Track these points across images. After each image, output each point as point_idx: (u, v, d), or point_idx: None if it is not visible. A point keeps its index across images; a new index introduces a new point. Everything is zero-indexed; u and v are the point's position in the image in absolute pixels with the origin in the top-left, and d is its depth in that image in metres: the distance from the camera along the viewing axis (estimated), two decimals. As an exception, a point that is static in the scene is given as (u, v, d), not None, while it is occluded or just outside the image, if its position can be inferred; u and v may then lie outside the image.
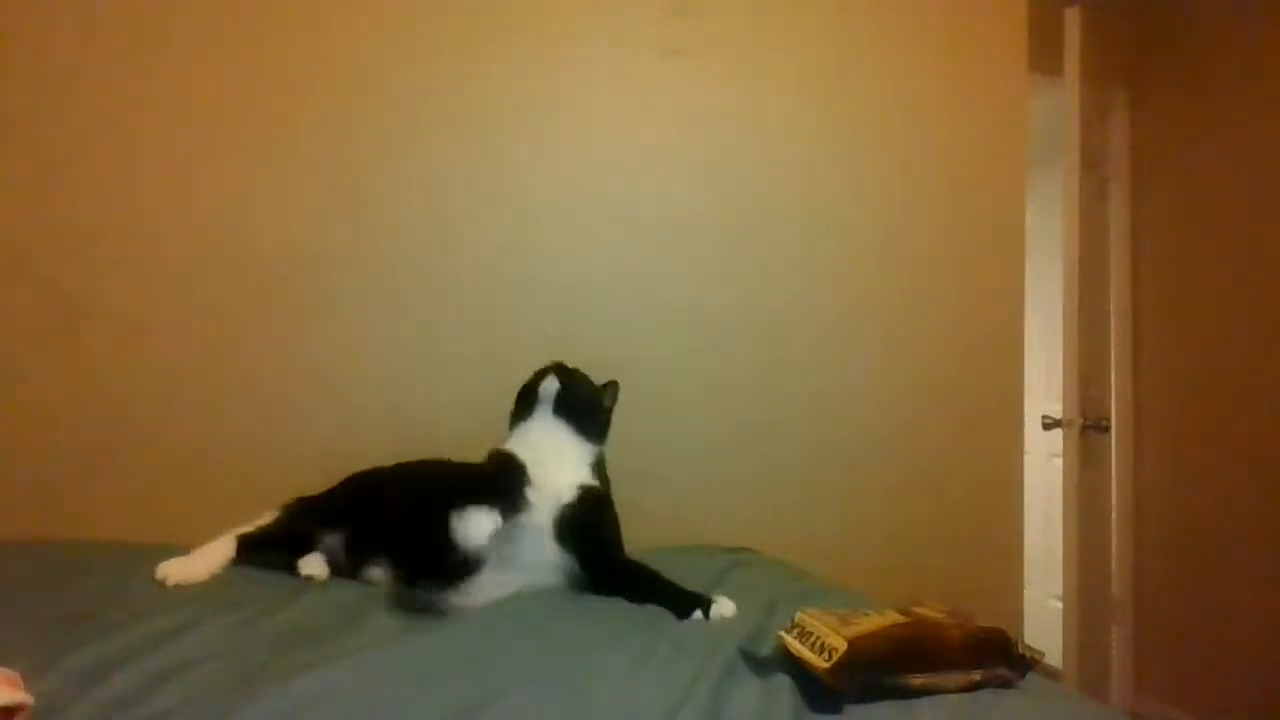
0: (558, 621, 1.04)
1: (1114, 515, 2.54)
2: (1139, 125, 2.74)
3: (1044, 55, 2.25)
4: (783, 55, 1.96)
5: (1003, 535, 2.03)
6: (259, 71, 1.66)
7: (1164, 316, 2.64)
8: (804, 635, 0.85)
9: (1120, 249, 2.71)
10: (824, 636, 0.82)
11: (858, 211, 1.99)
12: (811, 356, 1.93)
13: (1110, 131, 2.65)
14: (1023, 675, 0.89)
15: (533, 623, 1.01)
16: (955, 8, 2.07)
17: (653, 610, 1.11)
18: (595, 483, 1.28)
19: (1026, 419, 2.11)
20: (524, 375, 1.40)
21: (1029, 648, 0.90)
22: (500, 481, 1.15)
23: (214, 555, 1.20)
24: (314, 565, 1.23)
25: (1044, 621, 2.38)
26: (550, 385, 1.32)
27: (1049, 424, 2.26)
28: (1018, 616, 2.02)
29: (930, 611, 0.93)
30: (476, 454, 1.33)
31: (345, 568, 1.24)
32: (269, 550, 1.25)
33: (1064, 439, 2.21)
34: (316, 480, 1.38)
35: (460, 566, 1.06)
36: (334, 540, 1.27)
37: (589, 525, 1.21)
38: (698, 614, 1.10)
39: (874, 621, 0.86)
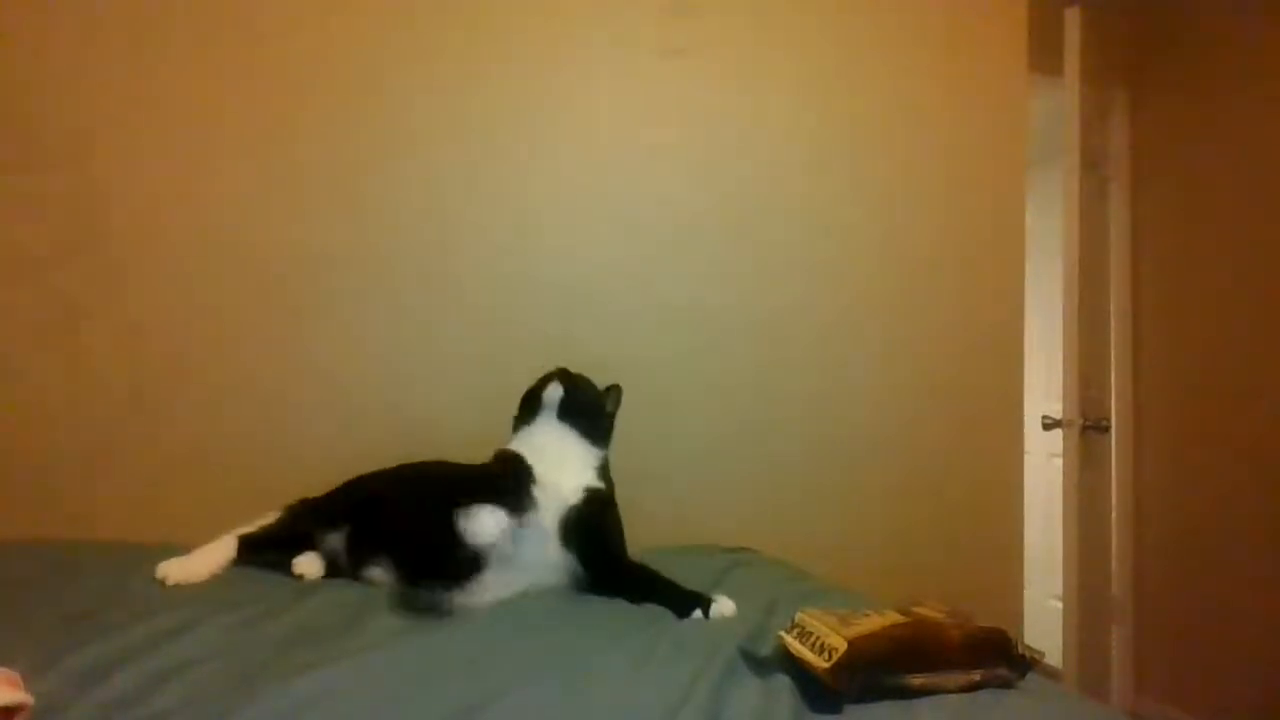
0: (558, 621, 1.04)
1: (1114, 515, 2.54)
2: (1139, 125, 2.74)
3: (1044, 55, 2.25)
4: (783, 55, 1.96)
5: (1003, 535, 2.04)
6: (259, 71, 1.66)
7: (1164, 316, 2.64)
8: (804, 635, 0.85)
9: (1120, 249, 2.71)
10: (824, 636, 0.82)
11: (858, 211, 1.99)
12: (811, 356, 1.93)
13: (1110, 131, 2.65)
14: (1023, 675, 0.89)
15: (533, 623, 1.01)
16: (955, 8, 2.07)
17: (653, 610, 1.11)
18: (600, 485, 1.29)
19: (1026, 419, 2.11)
20: (524, 375, 1.40)
21: (1029, 648, 0.90)
22: (507, 480, 1.16)
23: (214, 555, 1.20)
24: (306, 564, 1.23)
25: (1044, 621, 2.38)
26: (554, 391, 1.32)
27: (1049, 424, 2.26)
28: (1018, 616, 2.02)
29: (930, 611, 0.93)
30: (477, 454, 1.34)
31: (346, 568, 1.24)
32: (270, 550, 1.25)
33: (1064, 439, 2.21)
34: (317, 480, 1.38)
35: (465, 566, 1.06)
36: (335, 540, 1.27)
37: (593, 527, 1.22)
38: (698, 614, 1.10)
39: (874, 621, 0.86)
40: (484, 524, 1.04)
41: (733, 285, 1.89)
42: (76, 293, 1.55)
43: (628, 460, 1.41)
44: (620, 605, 1.14)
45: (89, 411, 1.55)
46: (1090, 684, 2.18)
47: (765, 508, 1.87)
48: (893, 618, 0.88)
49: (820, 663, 0.80)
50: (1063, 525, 2.19)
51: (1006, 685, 0.87)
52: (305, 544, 1.26)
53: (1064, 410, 2.21)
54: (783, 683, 0.83)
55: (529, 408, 1.35)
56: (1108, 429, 2.27)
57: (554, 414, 1.32)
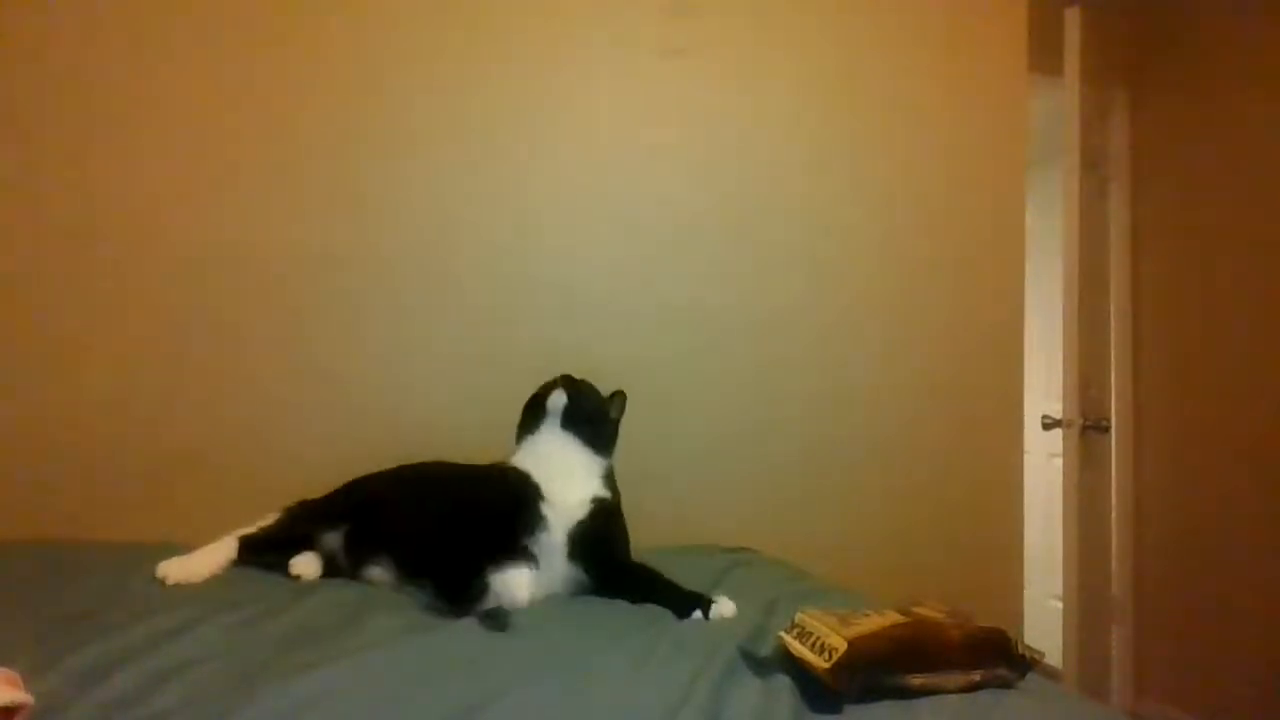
0: (557, 622, 1.04)
1: (1114, 515, 2.54)
2: (1139, 125, 2.74)
3: (1044, 55, 2.25)
4: (783, 55, 1.96)
5: (1003, 535, 2.03)
6: (260, 72, 1.66)
7: (1164, 316, 2.64)
8: (804, 635, 0.85)
9: (1120, 249, 2.71)
10: (824, 636, 0.82)
11: (858, 211, 1.99)
12: (811, 356, 1.93)
13: (1110, 131, 2.65)
14: (1023, 675, 0.89)
15: (533, 623, 1.01)
16: (955, 8, 2.07)
17: (653, 610, 1.11)
18: (607, 494, 1.28)
19: (1026, 419, 2.11)
20: (524, 375, 1.40)
21: (1029, 648, 0.90)
22: (523, 519, 1.15)
23: (214, 555, 1.21)
24: (303, 564, 1.23)
25: (1044, 621, 2.38)
26: (558, 399, 1.30)
27: (1049, 424, 2.26)
28: (1018, 616, 2.02)
29: (930, 611, 0.93)
30: (477, 454, 1.34)
31: (346, 568, 1.24)
32: (270, 551, 1.25)
33: (1064, 439, 2.21)
34: (317, 480, 1.38)
35: (480, 596, 1.05)
36: (334, 541, 1.27)
37: (601, 539, 1.21)
38: (698, 614, 1.10)
39: (874, 621, 0.86)
40: (518, 586, 1.05)
41: (733, 285, 1.89)
42: (76, 293, 1.55)
43: (628, 461, 1.40)
44: (620, 605, 1.14)
45: (89, 412, 1.55)
46: (1090, 684, 2.18)
47: (765, 508, 1.87)
48: (893, 618, 0.88)
49: (820, 663, 0.80)
50: (1063, 525, 2.19)
51: (1006, 685, 0.87)
52: (305, 545, 1.26)
53: (1064, 410, 2.21)
54: (783, 683, 0.83)
55: (532, 416, 1.34)
56: (1108, 429, 2.27)
57: (558, 422, 1.30)
